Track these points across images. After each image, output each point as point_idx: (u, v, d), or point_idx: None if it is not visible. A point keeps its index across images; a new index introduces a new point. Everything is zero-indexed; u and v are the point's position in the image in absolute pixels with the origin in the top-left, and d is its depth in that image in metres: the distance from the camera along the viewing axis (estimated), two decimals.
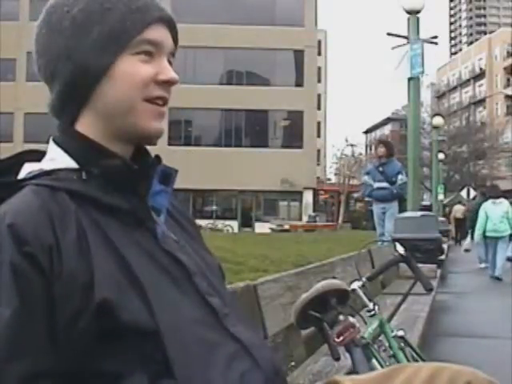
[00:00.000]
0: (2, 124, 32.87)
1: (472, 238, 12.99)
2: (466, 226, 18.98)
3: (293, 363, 2.75)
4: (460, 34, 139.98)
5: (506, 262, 11.05)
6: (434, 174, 25.85)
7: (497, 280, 10.49)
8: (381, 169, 8.44)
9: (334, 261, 4.42)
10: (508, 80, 55.63)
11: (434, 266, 8.09)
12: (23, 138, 33.09)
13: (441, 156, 28.04)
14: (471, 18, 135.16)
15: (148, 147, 1.09)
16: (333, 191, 43.90)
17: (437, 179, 26.30)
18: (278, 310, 2.56)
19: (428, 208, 22.30)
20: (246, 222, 35.40)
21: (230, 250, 9.39)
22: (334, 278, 2.23)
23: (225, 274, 1.20)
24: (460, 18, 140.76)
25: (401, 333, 2.34)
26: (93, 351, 0.86)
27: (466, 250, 14.95)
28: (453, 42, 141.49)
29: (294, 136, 35.98)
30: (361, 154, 47.18)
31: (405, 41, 9.78)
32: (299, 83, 36.01)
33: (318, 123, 45.47)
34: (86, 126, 1.00)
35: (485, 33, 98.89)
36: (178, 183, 1.08)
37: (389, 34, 10.15)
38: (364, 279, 2.41)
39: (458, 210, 25.97)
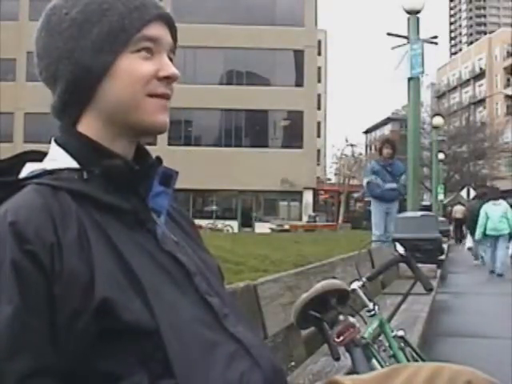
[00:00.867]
0: (2, 124, 32.89)
1: (472, 236, 13.87)
2: (466, 225, 19.55)
3: (293, 363, 2.75)
4: (460, 33, 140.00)
5: (507, 259, 11.70)
6: (433, 174, 25.88)
7: (498, 276, 11.02)
8: (389, 169, 8.32)
9: (333, 261, 4.42)
10: (508, 80, 55.63)
11: (434, 265, 8.10)
12: (23, 138, 33.11)
13: (441, 156, 28.06)
14: (471, 17, 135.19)
15: (148, 147, 1.10)
16: (333, 191, 43.92)
17: (437, 179, 26.32)
18: (277, 310, 2.56)
19: (428, 208, 22.33)
20: (246, 222, 35.41)
21: (229, 250, 9.40)
22: (334, 277, 2.23)
23: (225, 274, 1.20)
24: (460, 18, 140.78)
25: (401, 333, 2.34)
26: (93, 350, 0.86)
27: (470, 249, 15.59)
28: (453, 42, 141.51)
29: (294, 136, 35.99)
30: (361, 153, 47.22)
31: (405, 41, 9.79)
32: (299, 83, 36.02)
33: (318, 123, 45.48)
34: (88, 126, 1.01)
35: (485, 33, 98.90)
36: (178, 183, 1.09)
37: (389, 34, 10.16)
38: (364, 279, 2.41)
39: (458, 211, 26.21)
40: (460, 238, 24.93)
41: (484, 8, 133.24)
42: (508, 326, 5.50)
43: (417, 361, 2.31)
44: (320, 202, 41.86)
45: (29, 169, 0.99)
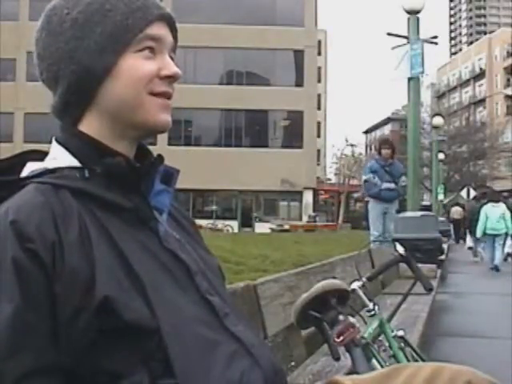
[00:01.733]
0: (2, 124, 32.88)
1: (472, 235, 15.57)
2: (464, 226, 21.11)
3: (293, 363, 2.75)
4: (460, 33, 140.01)
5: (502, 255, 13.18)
6: (434, 174, 25.88)
7: (495, 271, 12.32)
8: (388, 169, 8.28)
9: (333, 261, 4.42)
10: (508, 80, 55.62)
11: (434, 265, 8.09)
12: (23, 138, 33.11)
13: (441, 156, 28.07)
14: (471, 17, 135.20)
15: (148, 147, 1.10)
16: (333, 191, 43.93)
17: (437, 179, 26.33)
18: (278, 310, 2.56)
19: (428, 208, 22.34)
20: (246, 222, 35.41)
21: (229, 250, 9.39)
22: (334, 277, 2.23)
23: (225, 274, 1.20)
24: (460, 18, 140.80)
25: (401, 333, 2.34)
26: (93, 349, 0.86)
27: (470, 248, 16.80)
28: (453, 41, 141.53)
29: (294, 136, 35.99)
30: (361, 153, 47.25)
31: (405, 41, 9.78)
32: (299, 83, 36.02)
33: (318, 123, 45.48)
34: (90, 125, 1.01)
35: (485, 33, 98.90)
36: (178, 183, 1.09)
37: (389, 34, 10.16)
38: (364, 279, 2.41)
39: (456, 212, 26.66)
40: (459, 238, 25.01)
41: (484, 8, 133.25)
42: (508, 325, 5.50)
43: (417, 361, 2.31)
44: (320, 202, 41.87)
45: (30, 168, 0.99)
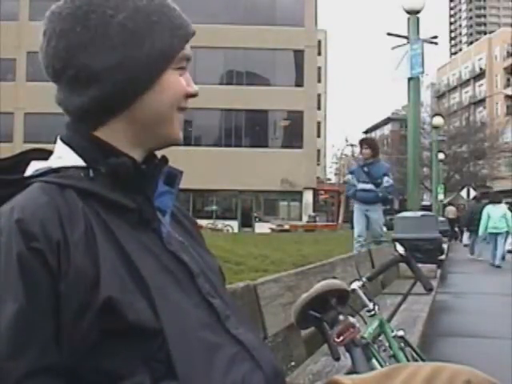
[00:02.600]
0: (2, 124, 32.87)
1: (470, 234, 16.97)
2: (458, 225, 23.12)
3: (293, 363, 2.75)
4: (460, 33, 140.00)
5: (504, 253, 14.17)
6: (434, 174, 25.88)
7: (497, 267, 13.13)
8: (366, 169, 7.81)
9: (333, 261, 4.42)
10: (508, 80, 55.60)
11: (434, 265, 8.09)
12: (23, 138, 33.11)
13: (441, 156, 28.08)
14: (471, 17, 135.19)
15: None
16: (333, 191, 43.91)
17: (437, 179, 26.33)
18: (278, 310, 2.56)
19: (428, 208, 22.37)
20: (246, 222, 35.41)
21: (229, 250, 9.39)
22: (334, 277, 2.23)
23: (225, 274, 1.20)
24: (460, 18, 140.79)
25: (401, 333, 2.34)
26: (96, 349, 0.87)
27: (466, 245, 17.91)
28: (453, 42, 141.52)
29: (294, 136, 35.99)
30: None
31: (405, 41, 9.79)
32: (299, 83, 36.02)
33: (318, 123, 45.49)
34: (109, 131, 1.00)
35: (485, 33, 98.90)
36: None
37: (389, 34, 10.16)
38: (364, 279, 2.41)
39: (450, 211, 27.31)
40: (453, 237, 25.23)
41: (484, 8, 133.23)
42: (508, 325, 5.50)
43: (417, 361, 2.31)
44: (320, 202, 41.86)
45: (34, 167, 0.99)
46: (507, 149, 44.11)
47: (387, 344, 2.25)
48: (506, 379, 3.17)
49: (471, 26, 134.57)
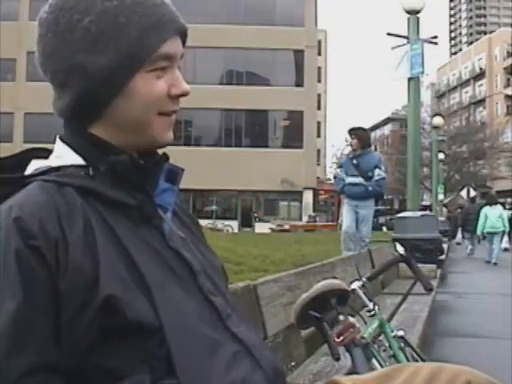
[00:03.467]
0: (2, 124, 32.87)
1: (465, 233, 18.39)
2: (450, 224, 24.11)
3: (293, 363, 2.74)
4: (460, 33, 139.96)
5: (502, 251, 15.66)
6: (434, 174, 25.87)
7: (494, 265, 14.15)
8: (355, 161, 7.11)
9: (333, 261, 4.42)
10: (508, 80, 55.62)
11: (434, 265, 8.09)
12: (23, 138, 33.12)
13: (441, 156, 28.08)
14: (471, 17, 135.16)
15: None
16: (333, 191, 43.78)
17: (437, 179, 26.32)
18: (277, 310, 2.56)
19: (428, 208, 22.42)
20: (246, 222, 35.41)
21: (229, 250, 9.39)
22: (334, 277, 2.23)
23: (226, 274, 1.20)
24: (460, 17, 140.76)
25: (401, 333, 2.35)
26: (96, 347, 0.87)
27: (458, 243, 19.74)
28: (453, 42, 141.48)
29: (293, 136, 35.98)
30: None
31: (405, 41, 9.78)
32: (299, 83, 36.02)
33: (318, 123, 45.48)
34: (97, 131, 1.00)
35: (485, 33, 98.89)
36: None
37: (389, 34, 10.15)
38: (364, 279, 2.41)
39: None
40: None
41: (484, 8, 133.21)
42: (508, 325, 5.50)
43: (417, 361, 2.31)
44: (320, 202, 41.85)
45: (34, 166, 0.99)
46: (507, 149, 44.13)
47: (387, 344, 2.26)
48: (506, 379, 3.17)
49: (471, 26, 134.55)
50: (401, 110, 55.03)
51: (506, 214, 15.41)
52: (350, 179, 7.07)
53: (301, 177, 34.23)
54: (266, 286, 2.55)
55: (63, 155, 1.00)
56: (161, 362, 0.89)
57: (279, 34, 34.84)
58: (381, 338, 2.30)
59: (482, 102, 58.03)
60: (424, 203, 27.60)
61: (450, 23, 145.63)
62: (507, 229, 15.48)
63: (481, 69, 60.78)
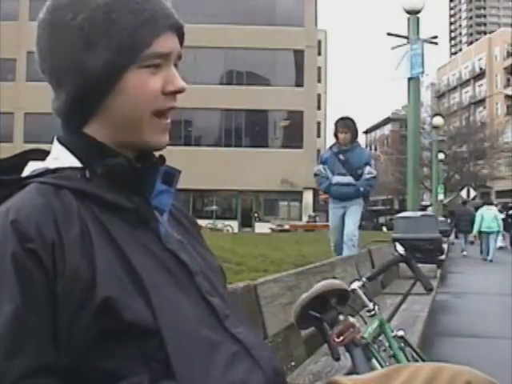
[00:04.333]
0: (1, 124, 32.87)
1: (456, 235, 20.55)
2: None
3: (293, 363, 2.75)
4: (460, 33, 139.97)
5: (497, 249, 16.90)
6: (433, 174, 25.87)
7: (489, 262, 15.49)
8: (342, 157, 6.14)
9: (333, 261, 4.42)
10: (508, 80, 55.63)
11: (434, 265, 8.09)
12: (23, 138, 33.11)
13: (441, 156, 28.08)
14: (471, 17, 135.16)
15: None
16: None
17: (437, 179, 26.32)
18: (277, 310, 2.56)
19: (427, 208, 22.52)
20: (246, 222, 35.41)
21: (229, 250, 9.39)
22: (334, 277, 2.23)
23: (225, 274, 1.19)
24: (460, 18, 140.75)
25: (401, 333, 2.34)
26: (94, 349, 0.86)
27: (452, 243, 20.62)
28: (453, 42, 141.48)
29: (293, 136, 35.98)
30: None
31: (405, 41, 9.78)
32: (299, 83, 36.02)
33: (318, 123, 45.50)
34: (93, 131, 1.00)
35: (485, 33, 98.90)
36: (178, 183, 1.08)
37: (389, 34, 10.16)
38: (364, 279, 2.41)
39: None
40: None
41: (484, 8, 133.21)
42: (508, 325, 5.50)
43: (417, 361, 2.31)
44: (320, 202, 41.80)
45: (31, 167, 0.99)
46: (507, 149, 44.13)
47: (387, 344, 2.25)
48: (506, 379, 3.17)
49: (471, 26, 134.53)
50: (401, 109, 55.06)
51: (500, 215, 17.14)
52: (337, 178, 6.16)
53: (301, 177, 34.21)
54: (266, 286, 2.55)
55: (60, 157, 1.00)
56: (159, 364, 0.89)
57: (279, 34, 34.84)
58: (381, 337, 2.29)
59: (482, 101, 58.04)
60: (424, 203, 27.59)
61: (450, 23, 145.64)
62: (501, 229, 17.14)
63: (481, 69, 60.80)
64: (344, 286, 1.92)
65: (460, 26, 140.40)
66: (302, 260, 8.48)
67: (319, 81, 47.04)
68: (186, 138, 35.26)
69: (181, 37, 1.04)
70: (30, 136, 30.25)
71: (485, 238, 16.47)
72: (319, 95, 46.09)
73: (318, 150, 44.45)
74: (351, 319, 1.83)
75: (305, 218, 35.51)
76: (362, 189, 6.11)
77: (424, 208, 19.92)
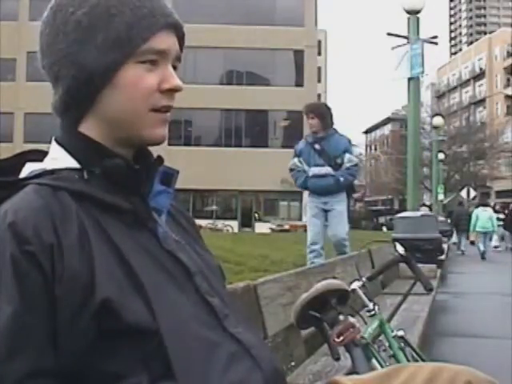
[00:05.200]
0: (1, 124, 32.87)
1: (458, 233, 20.58)
2: None
3: (293, 363, 2.74)
4: (460, 33, 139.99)
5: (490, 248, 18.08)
6: (433, 174, 25.90)
7: (486, 260, 16.06)
8: (317, 146, 5.57)
9: (333, 261, 4.42)
10: (508, 80, 55.64)
11: (434, 265, 8.09)
12: (23, 138, 33.12)
13: (441, 156, 28.10)
14: (471, 17, 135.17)
15: (148, 147, 1.09)
16: None
17: (437, 179, 26.34)
18: (277, 310, 2.56)
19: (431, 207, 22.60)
20: (246, 222, 35.42)
21: (230, 250, 9.40)
22: (334, 277, 2.23)
23: (225, 274, 1.19)
24: (460, 18, 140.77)
25: (401, 333, 2.34)
26: (93, 351, 0.86)
27: (454, 243, 21.06)
28: (453, 42, 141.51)
29: (293, 136, 35.89)
30: (361, 153, 47.24)
31: (405, 41, 9.79)
32: (299, 83, 36.02)
33: None
34: (89, 128, 1.00)
35: (485, 33, 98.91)
36: (178, 183, 1.08)
37: (389, 34, 10.16)
38: (364, 279, 2.41)
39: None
40: None
41: (484, 8, 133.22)
42: (508, 325, 5.50)
43: (417, 361, 2.31)
44: None
45: (29, 168, 0.99)
46: (507, 149, 44.14)
47: (387, 344, 2.25)
48: (506, 379, 3.17)
49: (471, 26, 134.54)
50: (401, 109, 55.04)
51: (494, 215, 18.23)
52: (314, 170, 5.56)
53: None
54: (266, 286, 2.55)
55: (58, 158, 0.99)
56: (159, 364, 0.89)
57: (279, 33, 34.85)
58: (381, 338, 2.29)
59: (482, 101, 58.05)
60: (425, 203, 27.61)
61: (450, 23, 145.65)
62: (496, 229, 18.28)
63: (481, 69, 60.80)
64: (344, 286, 1.92)
65: (460, 25, 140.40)
66: (302, 260, 8.46)
67: (319, 81, 47.06)
68: (185, 137, 35.27)
69: (181, 39, 1.04)
70: (30, 136, 30.26)
71: (480, 238, 17.38)
72: (319, 95, 46.11)
73: None
74: (351, 319, 1.83)
75: (305, 218, 35.44)
76: (342, 179, 5.50)
77: (430, 207, 20.41)
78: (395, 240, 7.79)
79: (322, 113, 5.58)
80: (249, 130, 36.22)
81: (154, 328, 0.89)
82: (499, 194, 47.26)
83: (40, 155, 1.02)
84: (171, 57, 1.01)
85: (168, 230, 1.03)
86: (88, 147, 0.99)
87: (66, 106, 1.00)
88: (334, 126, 5.71)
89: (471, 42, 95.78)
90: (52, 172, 0.96)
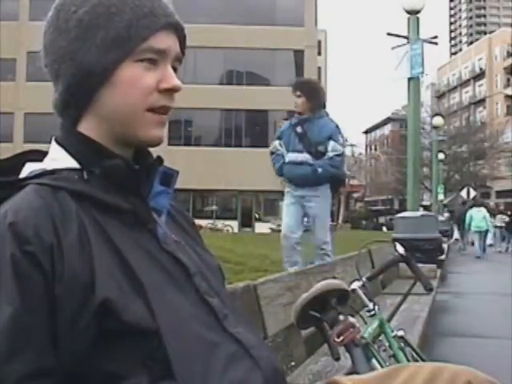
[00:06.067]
0: (2, 124, 32.84)
1: (459, 231, 21.76)
2: None
3: (293, 363, 2.74)
4: (460, 33, 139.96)
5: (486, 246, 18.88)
6: (434, 174, 25.90)
7: (477, 258, 17.22)
8: (299, 129, 4.84)
9: (333, 261, 4.42)
10: (508, 80, 55.65)
11: (434, 265, 8.09)
12: (23, 138, 33.10)
13: (441, 156, 28.11)
14: (471, 17, 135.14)
15: (148, 148, 1.09)
16: None
17: (437, 179, 26.34)
18: (277, 310, 2.56)
19: (427, 208, 22.59)
20: (246, 222, 35.41)
21: (230, 250, 9.39)
22: (334, 277, 2.23)
23: (225, 274, 1.20)
24: (460, 18, 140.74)
25: (401, 333, 2.34)
26: (93, 351, 0.86)
27: (457, 239, 22.32)
28: (453, 42, 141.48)
29: None
30: (361, 153, 47.24)
31: (405, 41, 9.79)
32: None
33: None
34: (88, 127, 1.00)
35: (485, 33, 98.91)
36: (178, 183, 1.08)
37: (389, 34, 10.16)
38: (364, 279, 2.41)
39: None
40: None
41: (484, 8, 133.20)
42: (508, 326, 5.50)
43: (417, 361, 2.31)
44: None
45: (29, 168, 0.99)
46: (507, 149, 44.16)
47: (387, 344, 2.25)
48: (506, 379, 3.17)
49: (471, 26, 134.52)
50: (401, 109, 55.02)
51: (488, 215, 19.20)
52: (290, 156, 4.84)
53: None
54: (266, 286, 2.55)
55: (58, 158, 1.00)
56: (159, 364, 0.89)
57: (279, 33, 34.84)
58: (381, 337, 2.29)
59: (482, 101, 58.06)
60: (424, 203, 27.63)
61: (450, 23, 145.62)
62: (490, 228, 19.23)
63: (481, 69, 60.80)
64: (344, 285, 1.92)
65: (460, 25, 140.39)
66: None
67: (319, 81, 47.09)
68: (185, 137, 35.25)
69: (182, 40, 1.04)
70: (30, 136, 30.24)
71: (475, 237, 18.45)
72: None
73: None
74: (351, 319, 1.83)
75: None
76: (320, 169, 4.72)
77: (425, 207, 20.43)
78: (395, 240, 7.78)
79: (310, 90, 4.82)
80: (249, 130, 36.20)
81: (153, 328, 0.89)
82: (499, 193, 47.29)
83: (40, 155, 1.02)
84: (171, 57, 1.01)
85: (168, 231, 1.03)
86: (88, 147, 0.99)
87: (65, 104, 1.00)
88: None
89: (471, 42, 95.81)
90: (52, 172, 0.96)
